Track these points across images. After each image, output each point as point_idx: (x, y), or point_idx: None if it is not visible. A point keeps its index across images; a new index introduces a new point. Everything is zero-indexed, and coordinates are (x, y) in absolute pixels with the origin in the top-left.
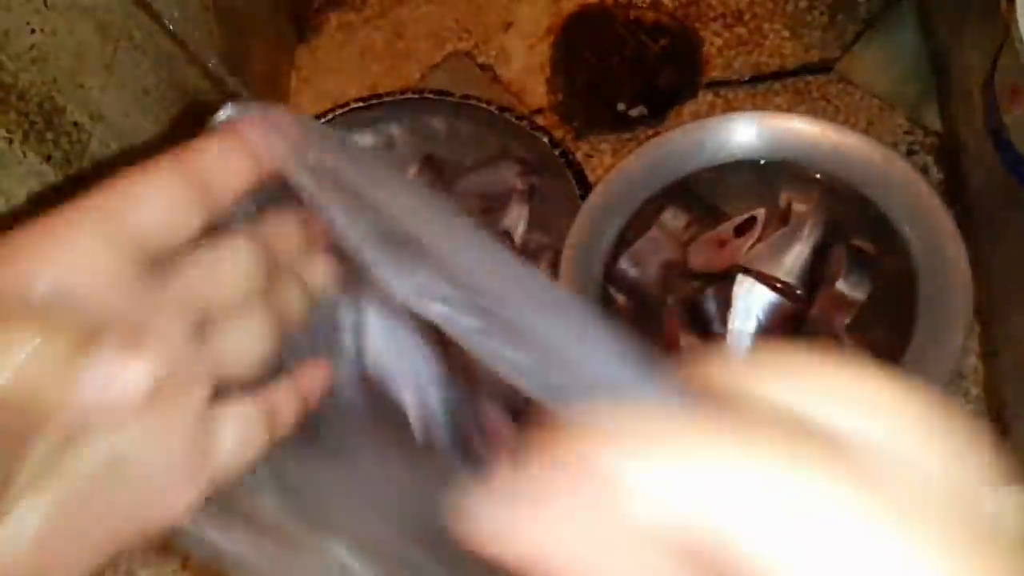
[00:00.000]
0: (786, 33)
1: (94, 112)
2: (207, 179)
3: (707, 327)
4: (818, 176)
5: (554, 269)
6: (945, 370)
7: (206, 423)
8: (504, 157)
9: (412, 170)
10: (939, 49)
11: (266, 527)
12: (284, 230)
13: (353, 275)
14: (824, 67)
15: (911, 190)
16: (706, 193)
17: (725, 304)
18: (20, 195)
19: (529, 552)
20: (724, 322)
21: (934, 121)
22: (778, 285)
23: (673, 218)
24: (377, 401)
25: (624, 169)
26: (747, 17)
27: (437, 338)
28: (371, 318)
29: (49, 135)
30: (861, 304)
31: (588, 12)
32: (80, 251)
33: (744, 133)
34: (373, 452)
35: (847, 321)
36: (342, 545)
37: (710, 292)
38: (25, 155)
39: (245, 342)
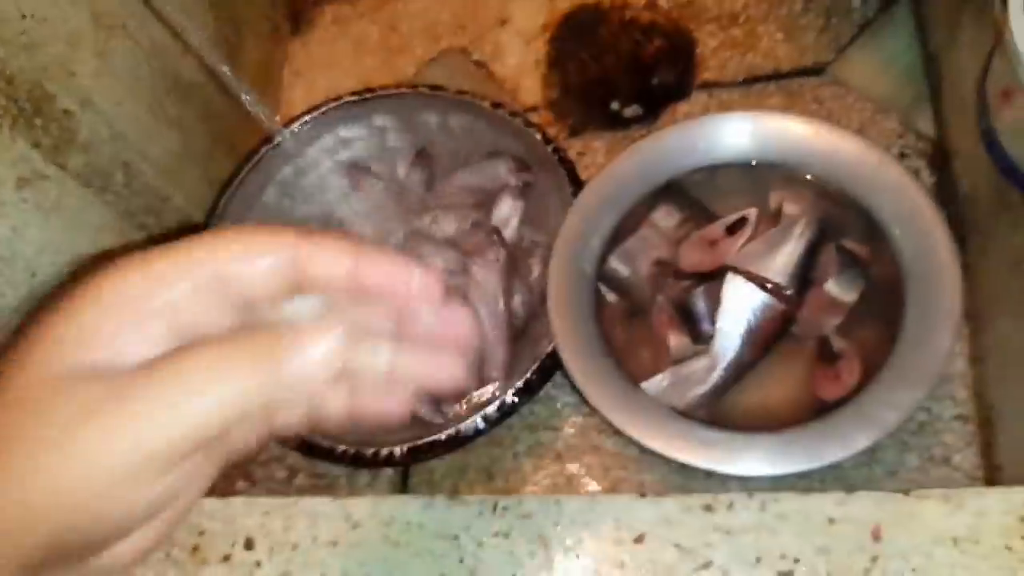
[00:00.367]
0: (780, 35)
1: (85, 100)
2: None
3: (697, 326)
4: (809, 177)
5: (545, 266)
6: (933, 373)
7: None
8: (497, 153)
9: (405, 164)
10: (933, 53)
11: None
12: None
13: None
14: (818, 70)
15: (902, 192)
16: (698, 192)
17: (715, 303)
18: (9, 181)
19: None
20: (714, 321)
21: (927, 126)
22: (768, 285)
23: (665, 217)
24: None
25: (616, 167)
26: (742, 19)
27: None
28: None
29: (38, 121)
30: (851, 305)
31: (584, 11)
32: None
33: (736, 133)
34: None
35: (837, 322)
36: None
37: (700, 291)
38: (14, 141)
39: None
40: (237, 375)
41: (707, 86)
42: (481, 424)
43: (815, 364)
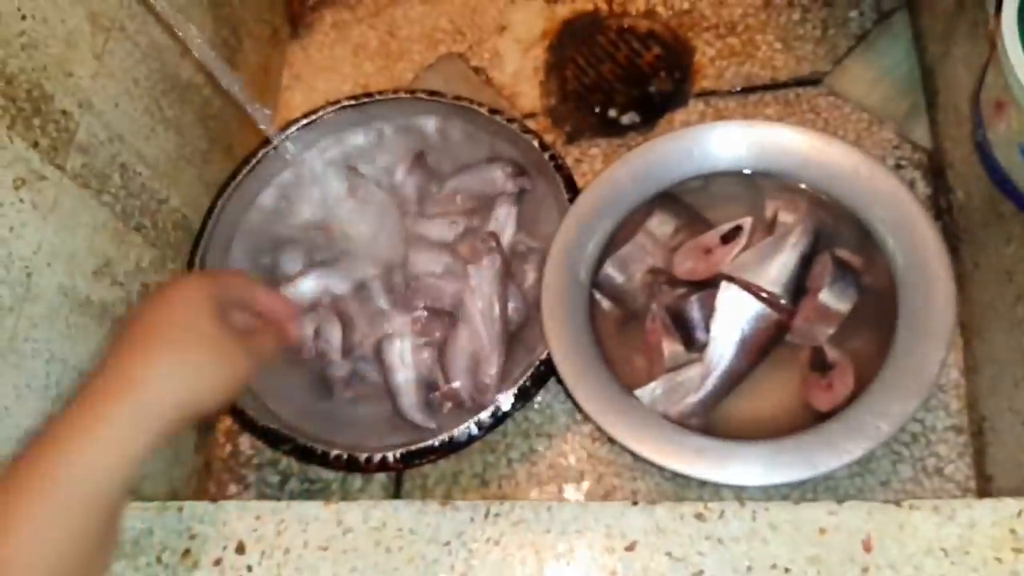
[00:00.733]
0: (778, 45)
1: (83, 101)
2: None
3: (691, 334)
4: (804, 187)
5: (540, 272)
6: (926, 383)
7: None
8: (494, 159)
9: (402, 168)
10: (929, 66)
11: None
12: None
13: None
14: (815, 80)
15: (897, 203)
16: (693, 200)
17: (709, 312)
18: (6, 181)
19: None
20: (708, 329)
21: (922, 137)
22: (763, 294)
23: (660, 225)
24: None
25: (612, 174)
26: (740, 28)
27: None
28: None
29: (36, 122)
30: (844, 315)
31: (582, 19)
32: None
33: (732, 141)
34: None
35: (830, 332)
36: None
37: (695, 299)
38: (11, 141)
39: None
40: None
41: (704, 94)
42: (475, 430)
43: (808, 373)
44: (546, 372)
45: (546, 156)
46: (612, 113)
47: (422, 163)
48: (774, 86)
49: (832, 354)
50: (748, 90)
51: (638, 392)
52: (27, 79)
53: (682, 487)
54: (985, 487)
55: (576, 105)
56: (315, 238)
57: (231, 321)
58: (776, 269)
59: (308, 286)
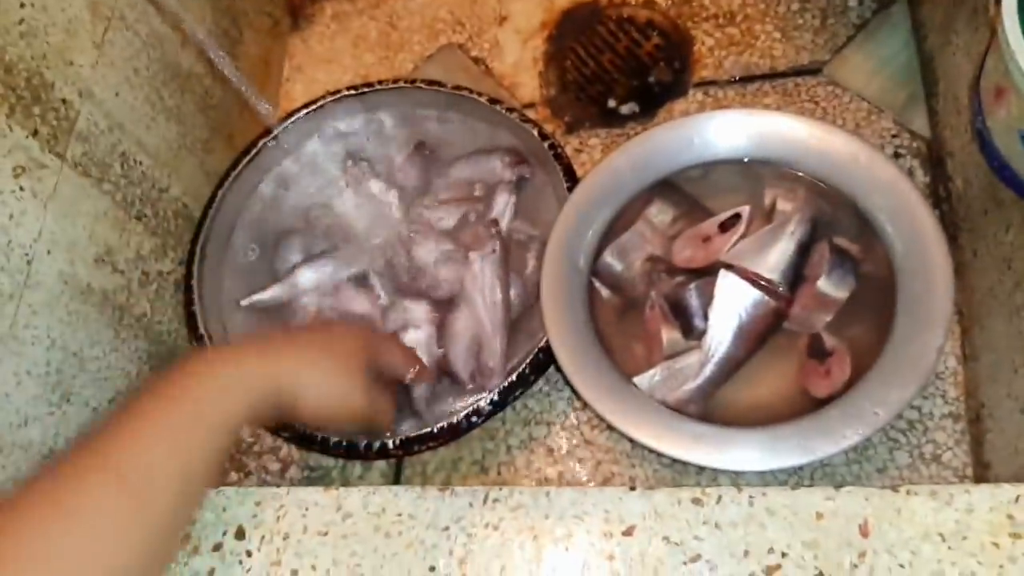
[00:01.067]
0: (777, 35)
1: (83, 89)
2: None
3: (689, 322)
4: (803, 175)
5: (540, 260)
6: (923, 371)
7: None
8: (494, 148)
9: (402, 157)
10: (929, 54)
11: None
12: None
13: None
14: (814, 69)
15: (896, 191)
16: (692, 189)
17: (708, 299)
18: (6, 169)
19: None
20: (706, 317)
21: (922, 126)
22: (761, 282)
23: (659, 213)
24: None
25: (611, 163)
26: (739, 18)
27: None
28: None
29: (36, 110)
30: (842, 303)
31: (582, 9)
32: None
33: (731, 130)
34: None
35: (828, 319)
36: None
37: (693, 287)
38: (11, 129)
39: None
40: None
41: (704, 84)
42: (474, 417)
43: (806, 360)
44: (545, 360)
45: (545, 146)
46: (612, 103)
47: (422, 152)
48: (773, 76)
49: (830, 341)
50: (747, 80)
51: (637, 379)
52: (26, 67)
53: (680, 473)
54: (982, 474)
55: (576, 95)
56: (316, 227)
57: (373, 374)
58: (774, 257)
59: (309, 276)
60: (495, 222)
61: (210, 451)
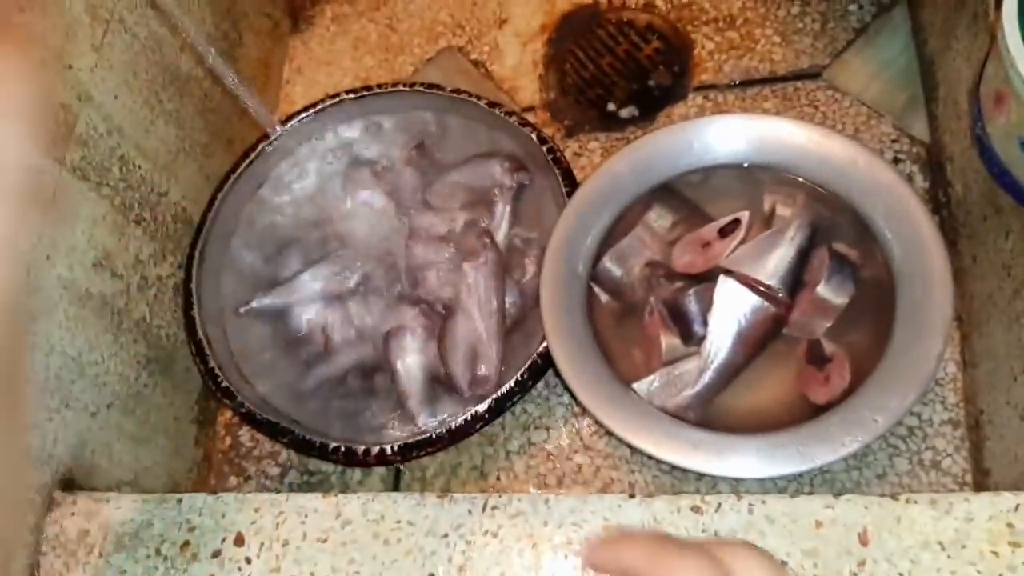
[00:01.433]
0: (777, 39)
1: (82, 93)
2: None
3: (688, 327)
4: (802, 180)
5: (539, 266)
6: (923, 377)
7: None
8: (493, 152)
9: (401, 162)
10: (929, 59)
11: None
12: None
13: None
14: (814, 74)
15: (895, 196)
16: (691, 194)
17: (707, 305)
18: None
19: None
20: (705, 323)
21: (921, 131)
22: (760, 288)
23: (658, 218)
24: None
25: (611, 168)
26: (739, 22)
27: None
28: None
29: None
30: (842, 308)
31: (581, 12)
32: None
33: (730, 135)
34: None
35: (827, 325)
36: None
37: (692, 293)
38: None
39: None
40: None
41: (703, 88)
42: (473, 423)
43: (805, 367)
44: (544, 365)
45: (544, 150)
46: (611, 106)
47: (421, 156)
48: (773, 80)
49: (829, 347)
50: (747, 84)
51: (636, 385)
52: None
53: (679, 480)
54: (982, 481)
55: (575, 98)
56: (315, 232)
57: None
58: (774, 263)
59: (308, 281)
60: (487, 232)
61: None
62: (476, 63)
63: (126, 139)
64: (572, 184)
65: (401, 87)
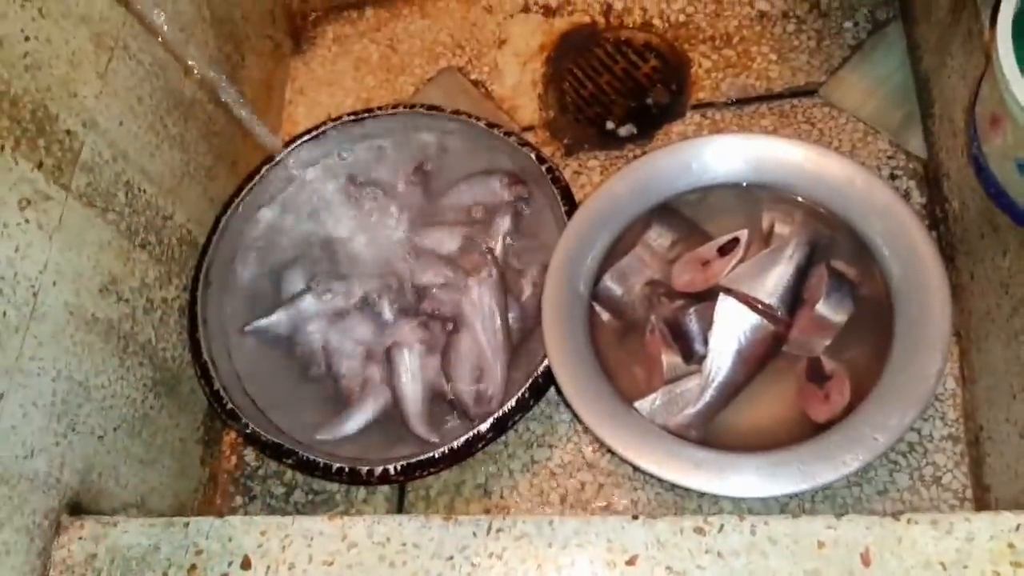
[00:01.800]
0: (773, 56)
1: (87, 120)
2: None
3: (689, 346)
4: (800, 198)
5: (539, 285)
6: (923, 394)
7: None
8: (493, 172)
9: (403, 182)
10: (924, 75)
11: None
12: None
13: None
14: (810, 91)
15: (892, 214)
16: (691, 213)
17: (707, 323)
18: (11, 202)
19: None
20: (706, 341)
21: (918, 147)
22: (759, 306)
23: (658, 237)
24: None
25: (610, 188)
26: (735, 40)
27: None
28: None
29: (41, 142)
30: (841, 326)
31: (580, 32)
32: None
33: (728, 154)
34: None
35: (827, 343)
36: None
37: (693, 311)
38: (16, 162)
39: None
40: None
41: (701, 106)
42: (476, 441)
43: (805, 384)
44: (545, 383)
45: (543, 169)
46: (610, 124)
47: (422, 176)
48: (770, 97)
49: (829, 365)
50: (744, 101)
51: (637, 404)
52: (31, 100)
53: (682, 498)
54: (983, 497)
55: (574, 117)
56: (318, 252)
57: None
58: (773, 281)
59: (312, 302)
60: (490, 249)
61: None
62: (476, 83)
63: (131, 164)
64: (570, 203)
65: (402, 108)
